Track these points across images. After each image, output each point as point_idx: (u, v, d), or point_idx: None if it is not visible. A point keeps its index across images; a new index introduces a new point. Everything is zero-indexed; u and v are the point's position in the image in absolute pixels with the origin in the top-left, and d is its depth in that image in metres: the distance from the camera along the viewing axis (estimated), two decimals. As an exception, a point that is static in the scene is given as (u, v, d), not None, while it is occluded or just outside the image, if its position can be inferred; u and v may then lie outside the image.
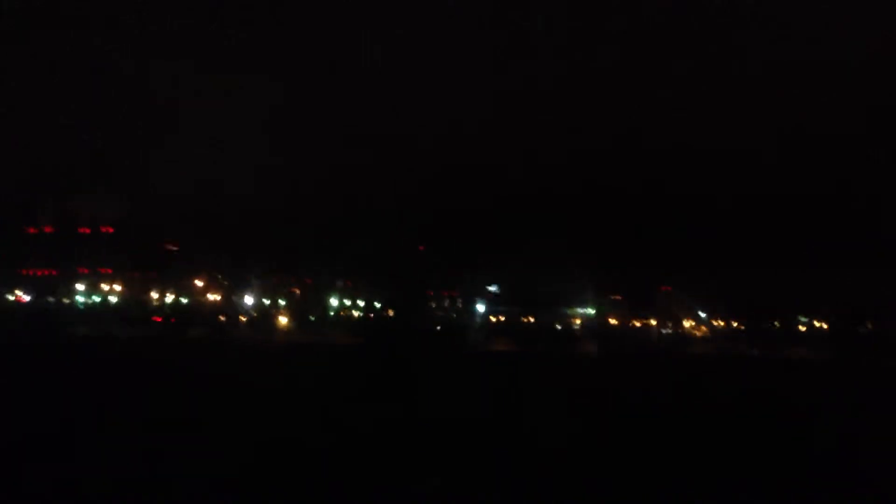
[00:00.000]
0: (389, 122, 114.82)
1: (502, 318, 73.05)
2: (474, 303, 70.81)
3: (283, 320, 70.23)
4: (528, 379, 36.74)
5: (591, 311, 74.24)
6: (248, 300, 72.77)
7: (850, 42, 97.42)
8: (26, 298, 71.04)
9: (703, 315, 78.79)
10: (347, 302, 75.32)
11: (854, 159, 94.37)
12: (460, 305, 74.77)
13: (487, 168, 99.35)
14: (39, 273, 72.62)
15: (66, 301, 71.79)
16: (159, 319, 66.45)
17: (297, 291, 74.25)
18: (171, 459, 15.20)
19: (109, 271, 72.82)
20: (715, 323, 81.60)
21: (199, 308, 69.73)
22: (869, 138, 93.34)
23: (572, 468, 15.87)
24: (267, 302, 73.98)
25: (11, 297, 70.80)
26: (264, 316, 71.12)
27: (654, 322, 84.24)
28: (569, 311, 73.85)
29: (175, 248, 75.03)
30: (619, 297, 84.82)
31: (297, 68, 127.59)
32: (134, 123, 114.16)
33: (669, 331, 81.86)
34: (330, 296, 73.01)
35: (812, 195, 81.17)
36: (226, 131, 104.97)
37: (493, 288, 71.43)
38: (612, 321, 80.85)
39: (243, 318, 69.98)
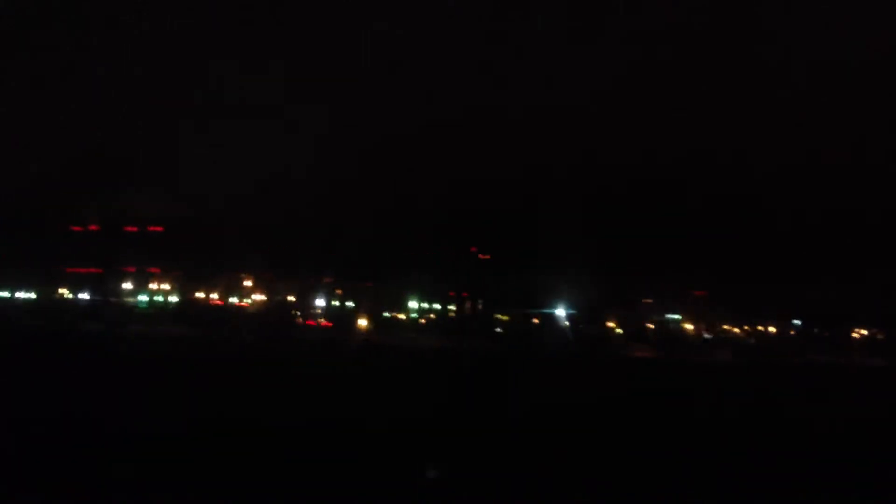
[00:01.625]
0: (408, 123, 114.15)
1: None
2: (554, 308, 71.77)
3: (362, 322, 70.16)
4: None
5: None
6: (321, 301, 72.37)
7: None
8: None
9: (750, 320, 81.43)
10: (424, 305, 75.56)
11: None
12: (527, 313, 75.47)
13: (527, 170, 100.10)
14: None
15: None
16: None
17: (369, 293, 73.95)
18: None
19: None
20: (759, 328, 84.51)
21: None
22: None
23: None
24: (336, 303, 73.68)
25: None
26: (342, 318, 70.89)
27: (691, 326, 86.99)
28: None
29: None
30: (650, 301, 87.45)
31: (296, 68, 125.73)
32: (146, 124, 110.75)
33: (710, 335, 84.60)
34: (407, 298, 73.11)
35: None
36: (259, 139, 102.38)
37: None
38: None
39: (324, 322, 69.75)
